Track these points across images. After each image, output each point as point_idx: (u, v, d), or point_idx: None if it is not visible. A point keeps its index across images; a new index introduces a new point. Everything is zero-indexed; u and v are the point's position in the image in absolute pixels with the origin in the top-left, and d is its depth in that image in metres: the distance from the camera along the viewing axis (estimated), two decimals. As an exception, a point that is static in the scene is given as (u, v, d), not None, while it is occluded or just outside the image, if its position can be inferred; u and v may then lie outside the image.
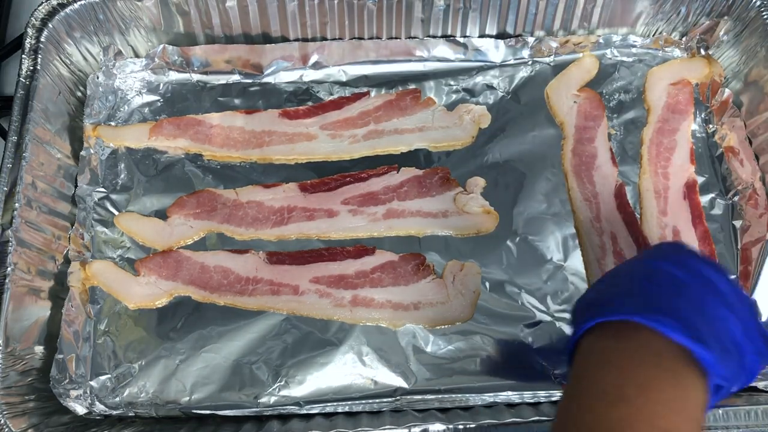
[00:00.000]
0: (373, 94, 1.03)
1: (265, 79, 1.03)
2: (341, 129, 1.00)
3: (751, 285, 0.90)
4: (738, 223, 0.94)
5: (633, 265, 0.63)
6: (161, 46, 1.02)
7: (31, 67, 0.91)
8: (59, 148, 0.94)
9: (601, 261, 0.92)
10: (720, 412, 0.77)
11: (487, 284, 0.91)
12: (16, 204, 0.84)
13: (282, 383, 0.87)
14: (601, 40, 1.04)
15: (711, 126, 0.99)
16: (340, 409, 0.86)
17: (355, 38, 1.04)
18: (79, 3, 0.94)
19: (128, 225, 0.94)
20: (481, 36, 1.04)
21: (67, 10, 0.94)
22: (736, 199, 0.95)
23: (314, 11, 1.00)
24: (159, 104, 1.02)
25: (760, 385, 0.86)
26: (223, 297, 0.91)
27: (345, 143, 0.99)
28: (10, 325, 0.81)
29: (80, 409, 0.86)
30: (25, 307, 0.84)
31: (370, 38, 1.04)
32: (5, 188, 0.85)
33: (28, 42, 0.92)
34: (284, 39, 1.04)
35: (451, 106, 1.01)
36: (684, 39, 1.04)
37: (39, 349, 0.86)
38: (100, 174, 0.97)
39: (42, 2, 0.93)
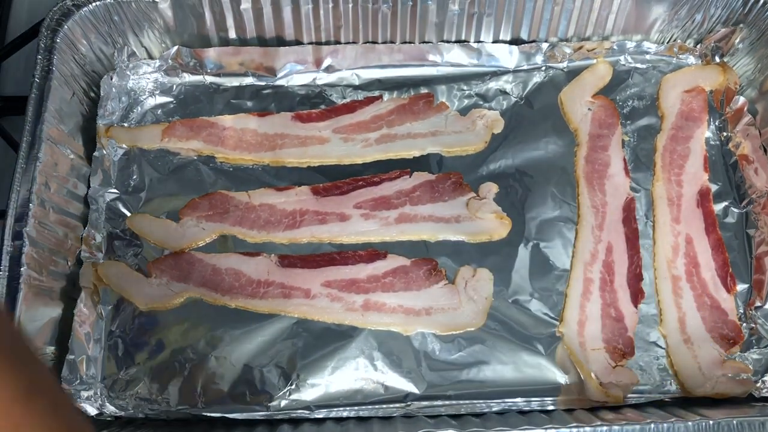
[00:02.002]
0: (386, 98, 1.02)
1: (278, 82, 1.03)
2: (354, 132, 1.00)
3: (765, 294, 0.90)
4: (752, 232, 0.94)
5: None
6: (175, 47, 1.02)
7: (46, 68, 0.91)
8: (72, 148, 0.94)
9: (588, 266, 0.92)
10: (734, 422, 0.77)
11: (499, 290, 0.91)
12: (30, 204, 0.84)
13: (293, 387, 0.86)
14: (615, 47, 1.04)
15: (725, 134, 0.99)
16: (350, 414, 0.86)
17: (368, 42, 1.04)
18: (94, 4, 0.94)
19: (140, 226, 0.94)
20: (495, 41, 1.04)
21: (83, 11, 0.94)
22: (750, 207, 0.95)
23: (328, 15, 1.00)
24: (172, 106, 1.02)
25: (774, 396, 0.86)
26: (234, 299, 0.91)
27: (357, 147, 0.99)
28: (23, 325, 0.81)
29: (91, 410, 0.86)
30: (38, 308, 0.84)
31: (384, 42, 1.04)
32: (18, 188, 0.85)
33: (43, 42, 0.92)
34: (298, 42, 1.04)
35: (464, 111, 1.01)
36: (698, 46, 1.04)
37: (50, 350, 0.86)
38: (112, 175, 0.97)
39: (58, 3, 0.93)
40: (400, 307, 0.90)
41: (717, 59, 1.02)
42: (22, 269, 0.82)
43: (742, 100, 0.99)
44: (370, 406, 0.86)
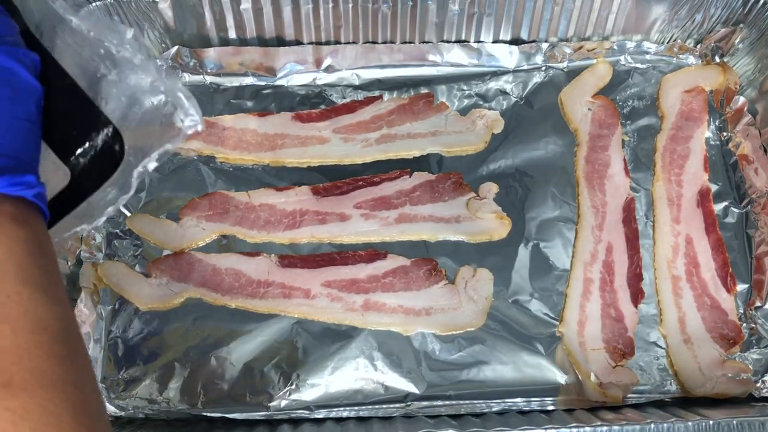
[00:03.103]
0: (386, 98, 1.02)
1: (278, 82, 1.03)
2: (354, 132, 1.00)
3: (765, 294, 0.90)
4: (752, 232, 0.94)
5: None
6: (175, 47, 1.02)
7: (46, 68, 0.91)
8: (73, 148, 0.94)
9: (588, 266, 0.92)
10: (734, 422, 0.77)
11: (499, 290, 0.91)
12: (30, 204, 0.84)
13: (293, 387, 0.86)
14: (615, 47, 1.04)
15: (725, 134, 0.99)
16: (350, 414, 0.86)
17: (368, 42, 1.03)
18: (94, 4, 0.94)
19: (140, 226, 0.94)
20: (495, 41, 1.04)
21: (82, 11, 0.94)
22: (750, 207, 0.95)
23: (328, 15, 1.00)
24: (172, 106, 1.02)
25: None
26: (234, 300, 0.91)
27: (357, 147, 0.99)
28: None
29: (91, 411, 0.86)
30: (38, 308, 0.84)
31: (384, 42, 1.04)
32: (19, 188, 0.85)
33: (43, 42, 0.92)
34: (298, 42, 1.04)
35: (464, 111, 1.01)
36: (699, 46, 1.04)
37: (50, 350, 0.86)
38: (112, 175, 0.97)
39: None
40: (400, 307, 0.90)
41: (717, 59, 1.02)
42: (22, 269, 0.82)
43: (742, 100, 0.99)
44: (370, 406, 0.86)
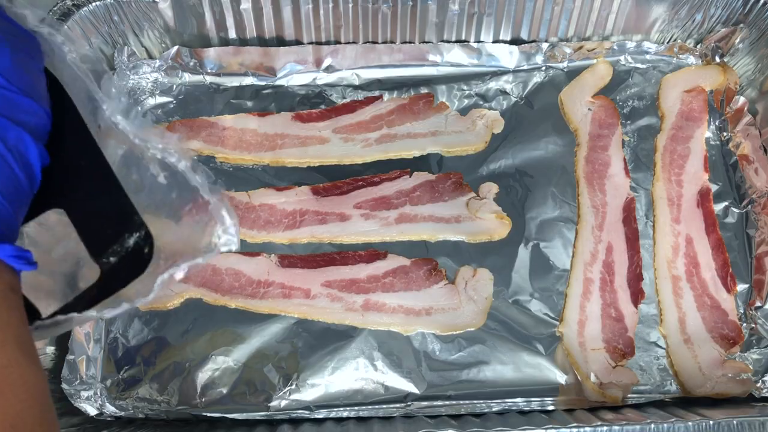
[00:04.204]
0: (386, 97, 1.02)
1: (278, 82, 1.03)
2: (354, 132, 1.00)
3: (765, 294, 0.90)
4: (752, 232, 0.94)
5: None
6: (175, 47, 1.02)
7: (46, 68, 0.91)
8: (72, 148, 0.94)
9: (588, 266, 0.92)
10: (734, 422, 0.77)
11: (499, 290, 0.91)
12: (30, 204, 0.84)
13: (292, 387, 0.86)
14: (615, 47, 1.04)
15: (725, 134, 0.99)
16: (350, 414, 0.86)
17: (368, 42, 1.03)
18: (94, 4, 0.94)
19: (140, 226, 0.94)
20: (495, 41, 1.04)
21: (83, 11, 0.94)
22: (750, 207, 0.95)
23: (328, 15, 1.00)
24: (172, 106, 1.02)
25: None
26: (234, 300, 0.91)
27: (357, 147, 0.99)
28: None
29: (91, 410, 0.86)
30: (38, 308, 0.84)
31: (384, 42, 1.04)
32: (19, 188, 0.85)
33: (43, 42, 0.92)
34: (298, 42, 1.04)
35: (464, 111, 1.01)
36: (699, 46, 1.04)
37: (50, 350, 0.86)
38: (112, 175, 0.97)
39: (57, 3, 0.93)
40: (400, 307, 0.90)
41: (717, 59, 1.02)
42: (22, 269, 0.82)
43: (742, 100, 0.99)
44: (370, 406, 0.86)
